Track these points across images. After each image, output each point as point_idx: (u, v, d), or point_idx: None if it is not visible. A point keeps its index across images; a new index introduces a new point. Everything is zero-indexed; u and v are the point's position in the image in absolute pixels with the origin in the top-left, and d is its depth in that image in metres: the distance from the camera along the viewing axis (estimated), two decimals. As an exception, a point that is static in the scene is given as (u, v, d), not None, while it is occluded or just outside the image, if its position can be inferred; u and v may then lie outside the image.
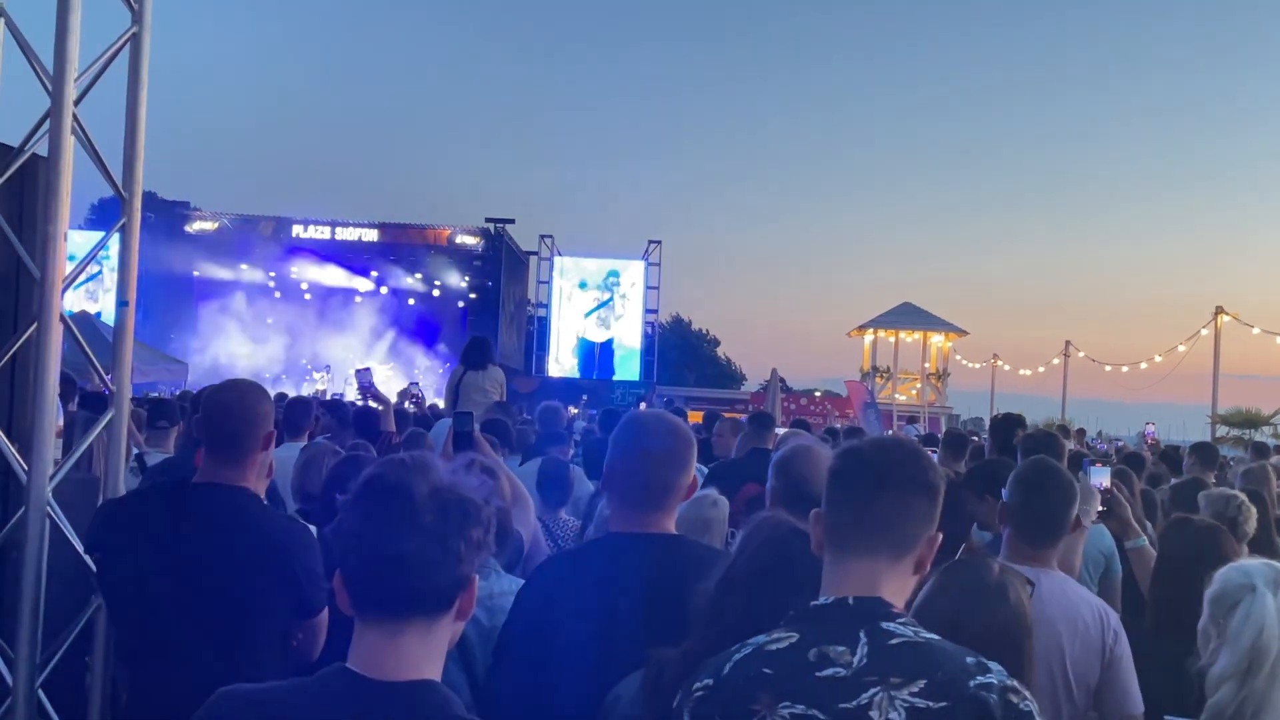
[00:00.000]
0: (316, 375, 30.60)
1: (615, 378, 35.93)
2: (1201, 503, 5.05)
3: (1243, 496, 4.90)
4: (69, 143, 3.52)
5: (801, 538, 2.32)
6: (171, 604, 3.20)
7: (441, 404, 14.00)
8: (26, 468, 3.52)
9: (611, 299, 36.67)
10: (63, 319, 3.54)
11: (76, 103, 3.56)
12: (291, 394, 22.87)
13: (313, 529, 3.84)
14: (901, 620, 1.98)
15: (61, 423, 4.33)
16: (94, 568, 3.51)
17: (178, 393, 17.59)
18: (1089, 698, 3.38)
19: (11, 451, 3.57)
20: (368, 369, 9.46)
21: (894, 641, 1.93)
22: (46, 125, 3.54)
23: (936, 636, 1.97)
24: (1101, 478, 4.05)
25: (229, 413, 3.35)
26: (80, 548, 3.61)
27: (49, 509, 3.53)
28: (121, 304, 3.74)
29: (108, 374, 3.85)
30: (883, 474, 2.09)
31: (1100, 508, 3.97)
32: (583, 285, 36.65)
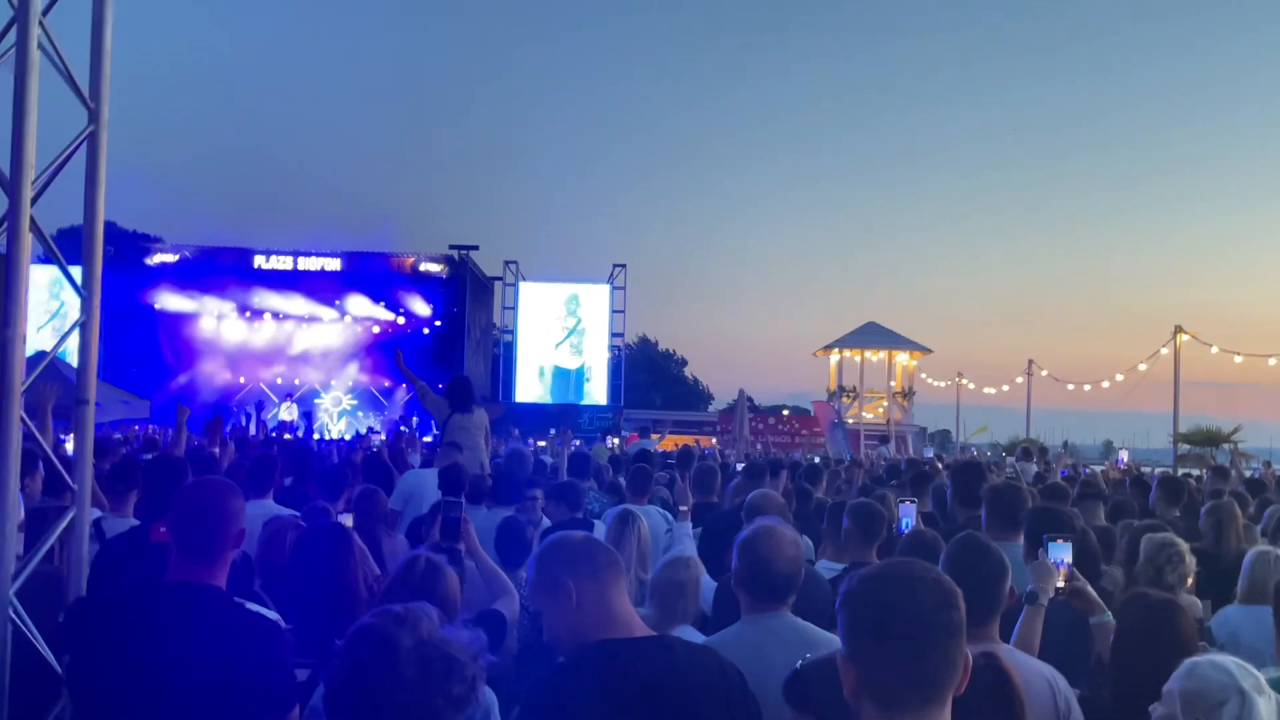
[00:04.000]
0: (282, 405, 30.48)
1: (583, 402, 35.95)
2: (1141, 545, 5.13)
3: (1179, 546, 4.97)
4: (27, 243, 3.51)
5: None
6: (142, 706, 3.17)
7: (411, 434, 13.91)
8: (-12, 569, 3.49)
9: (579, 324, 36.72)
10: (23, 419, 3.52)
11: (34, 202, 3.55)
12: (253, 426, 22.84)
13: (275, 616, 3.85)
14: None
15: (22, 514, 4.30)
16: (60, 670, 3.48)
17: (142, 431, 17.48)
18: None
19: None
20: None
21: None
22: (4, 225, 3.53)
23: None
24: (1062, 554, 4.07)
25: (201, 513, 3.34)
26: (43, 647, 3.59)
27: (12, 609, 3.50)
28: (81, 402, 3.73)
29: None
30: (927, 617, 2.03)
31: (1060, 584, 4.01)
32: (569, 302, 36.65)
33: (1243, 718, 2.71)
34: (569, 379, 36.84)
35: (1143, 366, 31.23)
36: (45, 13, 3.58)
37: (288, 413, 30.70)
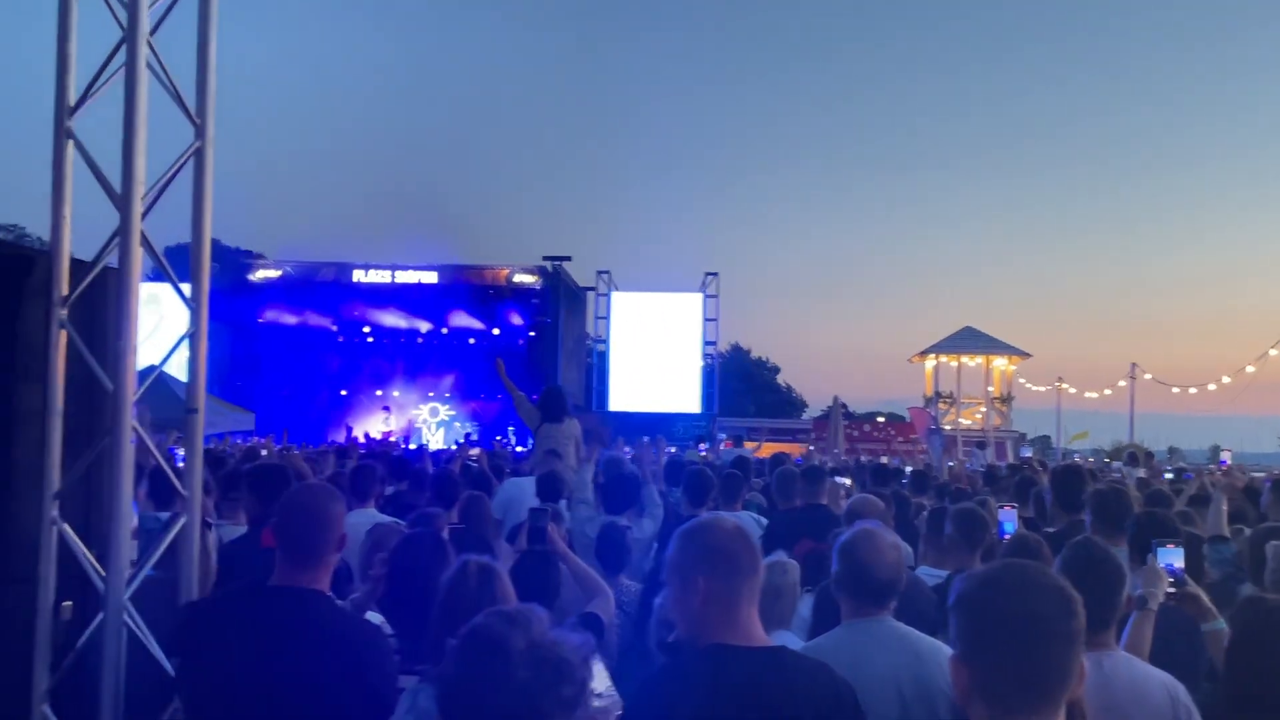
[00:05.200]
0: (381, 416, 30.99)
1: (675, 410, 35.92)
2: (1269, 554, 4.94)
3: None
4: (138, 257, 3.62)
5: None
6: (249, 708, 3.25)
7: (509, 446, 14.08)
8: (104, 574, 3.60)
9: (670, 333, 36.74)
10: (135, 428, 3.62)
11: (143, 217, 3.66)
12: (360, 436, 23.21)
13: (380, 619, 3.90)
14: None
15: (136, 522, 4.42)
16: (173, 672, 3.58)
17: (247, 444, 17.88)
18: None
19: (89, 559, 3.66)
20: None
21: None
22: (116, 240, 3.65)
23: None
24: (1173, 559, 3.96)
25: (305, 519, 3.42)
26: (156, 650, 3.69)
27: (127, 614, 3.60)
28: (191, 411, 3.83)
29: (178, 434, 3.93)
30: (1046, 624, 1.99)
31: (1170, 590, 3.89)
32: (655, 312, 36.72)
33: None
34: (661, 388, 36.84)
35: (1250, 369, 30.35)
36: (153, 32, 3.69)
37: (386, 424, 31.21)
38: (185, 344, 3.96)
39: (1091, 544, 3.68)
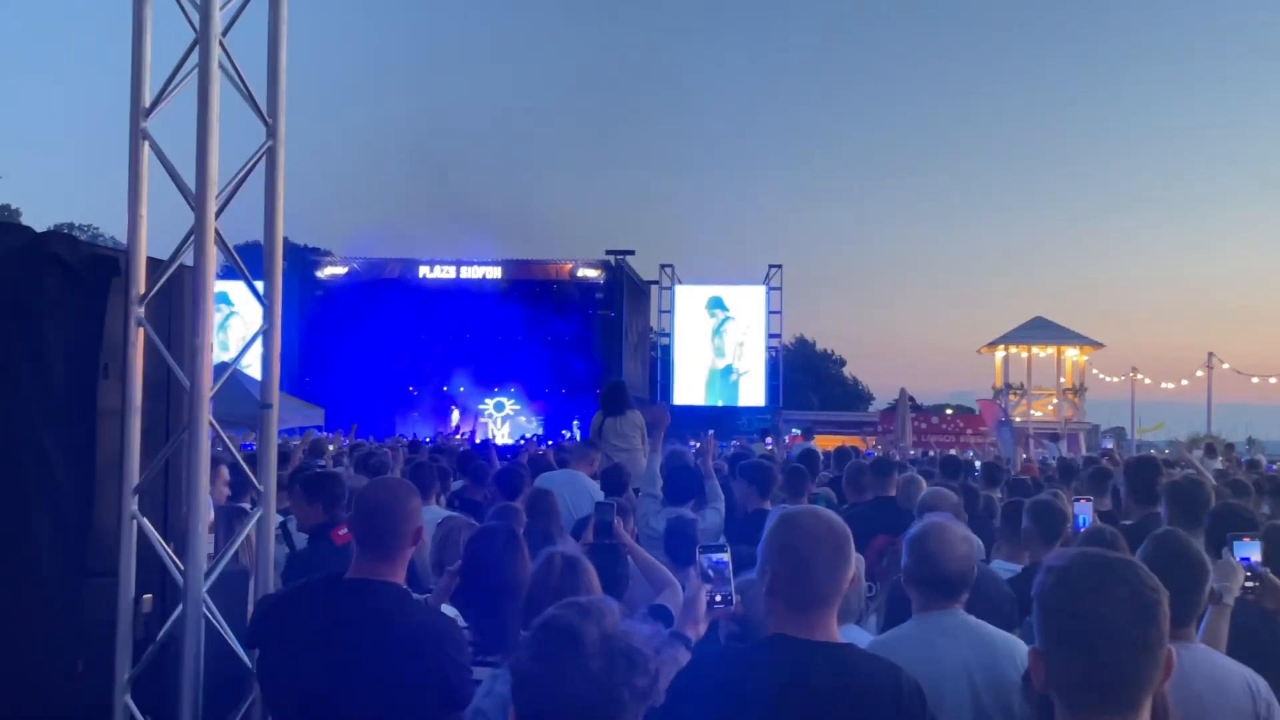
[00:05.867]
0: (455, 413, 31.30)
1: (740, 404, 35.87)
2: None
3: None
4: (212, 255, 3.68)
5: None
6: (326, 698, 3.30)
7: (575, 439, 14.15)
8: (182, 567, 3.67)
9: (734, 326, 36.67)
10: (211, 424, 3.69)
11: (217, 215, 3.72)
12: (424, 435, 23.42)
13: (453, 612, 3.94)
14: None
15: (212, 516, 4.50)
16: (251, 664, 3.64)
17: (314, 438, 18.13)
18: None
19: (168, 552, 3.73)
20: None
21: None
22: (191, 239, 3.71)
23: None
24: (1250, 552, 3.87)
25: (381, 512, 3.45)
26: (234, 643, 3.76)
27: (205, 607, 3.67)
28: (265, 407, 3.88)
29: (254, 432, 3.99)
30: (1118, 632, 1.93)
31: (1247, 584, 3.81)
32: (716, 305, 36.68)
33: None
34: (725, 381, 36.81)
35: (1333, 357, 29.60)
36: (225, 33, 3.75)
37: (454, 419, 31.49)
38: (258, 341, 4.02)
39: (1173, 536, 3.62)
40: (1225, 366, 37.10)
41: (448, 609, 3.97)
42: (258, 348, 4.01)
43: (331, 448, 15.40)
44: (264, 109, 3.95)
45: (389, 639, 3.32)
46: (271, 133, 3.92)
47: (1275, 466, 15.39)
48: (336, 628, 3.33)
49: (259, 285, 3.98)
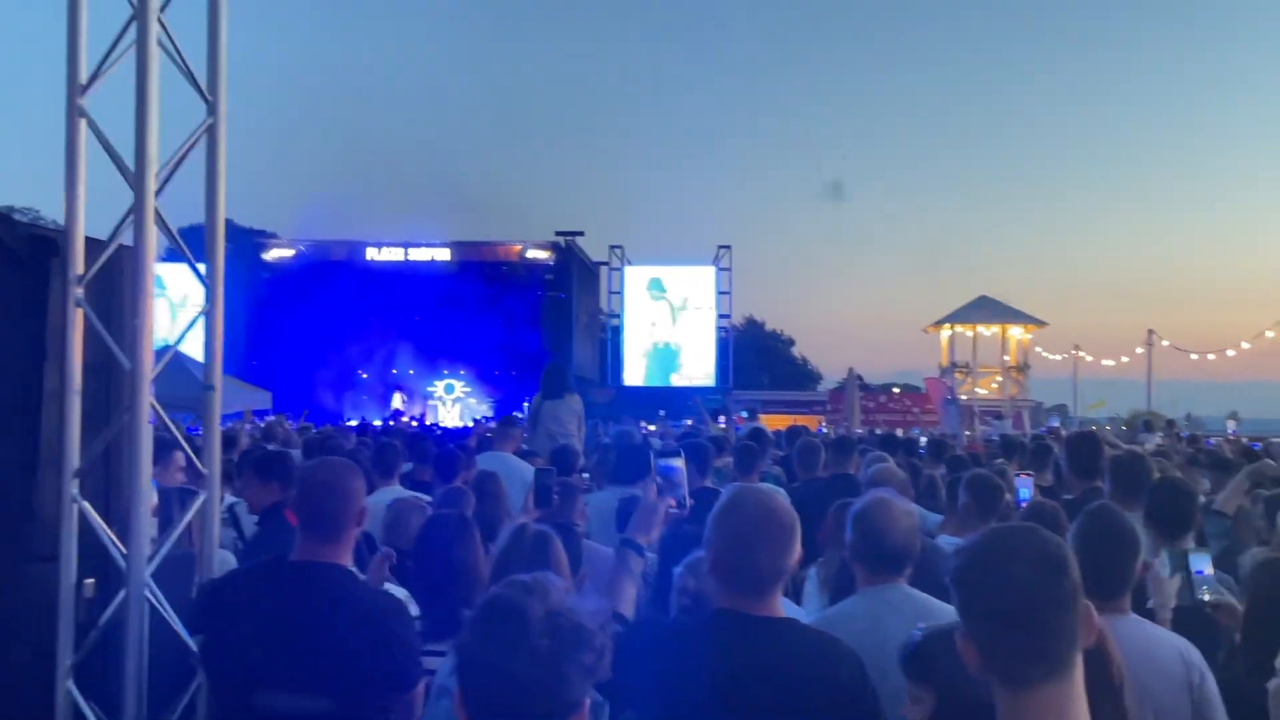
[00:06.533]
0: (398, 397, 31.09)
1: (690, 385, 35.92)
2: None
3: None
4: (152, 235, 3.63)
5: None
6: (273, 682, 3.28)
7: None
8: (125, 551, 3.63)
9: (680, 306, 36.69)
10: (153, 406, 3.64)
11: (157, 194, 3.66)
12: (374, 419, 23.27)
13: (403, 593, 3.92)
14: None
15: (155, 500, 4.45)
16: (196, 648, 3.61)
17: (263, 421, 17.96)
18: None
19: (110, 536, 3.68)
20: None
21: None
22: (130, 218, 3.65)
23: None
24: (1203, 565, 3.90)
25: (324, 493, 3.42)
26: (179, 627, 3.72)
27: (148, 591, 3.63)
28: (208, 389, 3.84)
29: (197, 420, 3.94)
30: (1035, 590, 1.97)
31: (1207, 598, 3.83)
32: (655, 287, 36.69)
33: None
34: (673, 362, 36.82)
35: (1270, 333, 30.18)
36: (163, 9, 3.69)
37: (399, 403, 31.31)
38: (200, 323, 3.97)
39: (1105, 509, 3.69)
40: (1165, 344, 37.69)
41: (398, 590, 3.95)
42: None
43: (281, 430, 15.27)
44: (204, 86, 3.89)
45: (335, 621, 3.29)
46: (212, 110, 3.86)
47: (1213, 442, 15.67)
48: (281, 611, 3.30)
49: (201, 267, 3.93)
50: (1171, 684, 3.30)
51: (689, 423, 20.59)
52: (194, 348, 4.21)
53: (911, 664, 2.60)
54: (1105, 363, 41.56)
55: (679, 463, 3.47)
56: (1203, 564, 3.92)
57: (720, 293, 36.79)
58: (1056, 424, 19.79)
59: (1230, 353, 34.09)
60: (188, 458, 4.05)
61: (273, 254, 33.88)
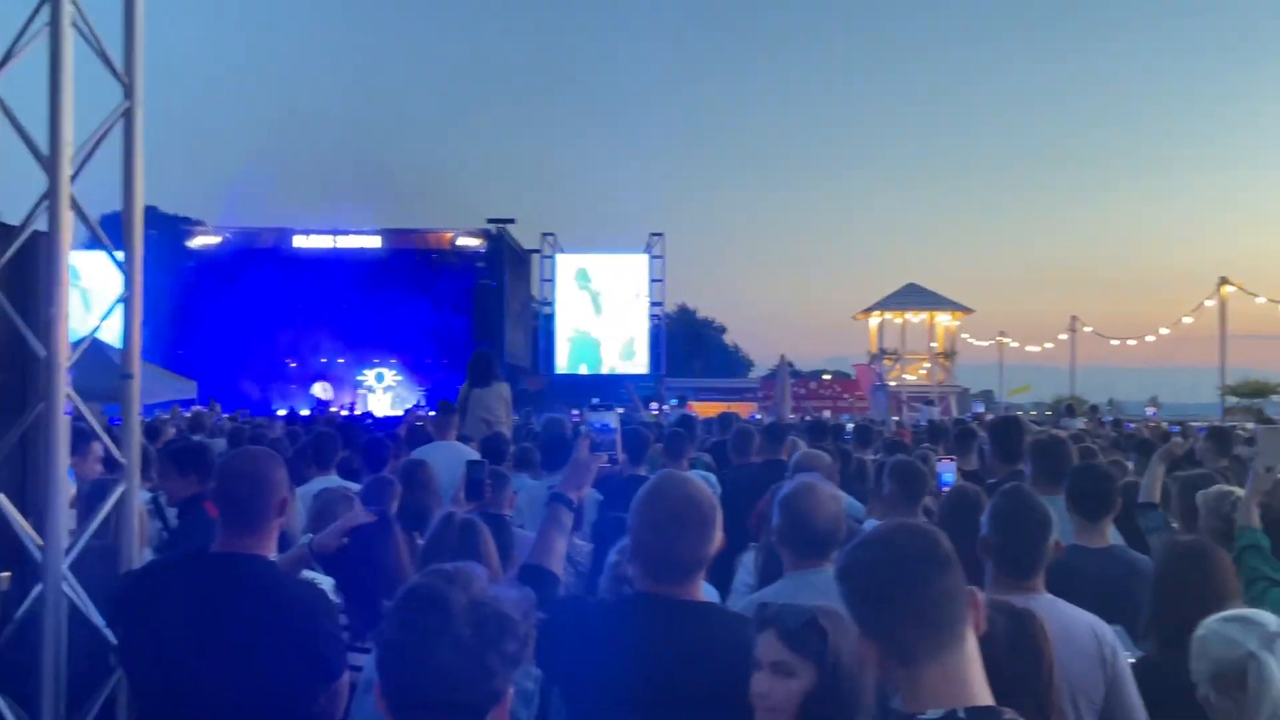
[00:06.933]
0: (318, 387, 30.77)
1: (621, 372, 35.94)
2: (1199, 504, 5.03)
3: (1236, 493, 4.86)
4: (68, 220, 3.56)
5: None
6: (193, 676, 3.23)
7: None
8: (41, 544, 3.55)
9: (609, 293, 36.67)
10: (70, 396, 3.57)
11: (73, 179, 3.59)
12: (302, 410, 22.96)
13: (328, 583, 3.88)
14: None
15: (74, 490, 4.37)
16: (115, 641, 3.55)
17: (189, 412, 17.65)
18: (1096, 716, 3.41)
19: (26, 528, 3.61)
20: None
21: None
22: (45, 203, 3.57)
23: None
24: None
25: (245, 483, 3.38)
26: (99, 620, 3.65)
27: (66, 584, 3.56)
28: (126, 377, 3.77)
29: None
30: (921, 564, 2.07)
31: None
32: (582, 278, 36.66)
33: (1262, 683, 2.66)
34: (606, 349, 36.81)
35: (1188, 319, 30.91)
36: (77, -11, 3.60)
37: (324, 392, 30.96)
38: (119, 311, 3.89)
39: (1018, 490, 3.79)
40: (1088, 330, 38.41)
41: (323, 580, 3.91)
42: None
43: (207, 420, 15.04)
44: (120, 69, 3.81)
45: (257, 613, 3.25)
46: (129, 93, 3.77)
47: (1133, 426, 16.03)
48: (201, 604, 3.26)
49: (120, 255, 3.85)
50: (1086, 661, 3.38)
51: (621, 411, 20.58)
52: (115, 336, 4.12)
53: (798, 636, 2.61)
54: (1030, 349, 42.38)
55: (613, 419, 3.49)
56: None
57: (653, 280, 36.84)
58: (981, 409, 20.10)
59: (1150, 339, 34.87)
60: (106, 448, 3.97)
61: (198, 241, 33.25)
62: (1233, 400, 28.78)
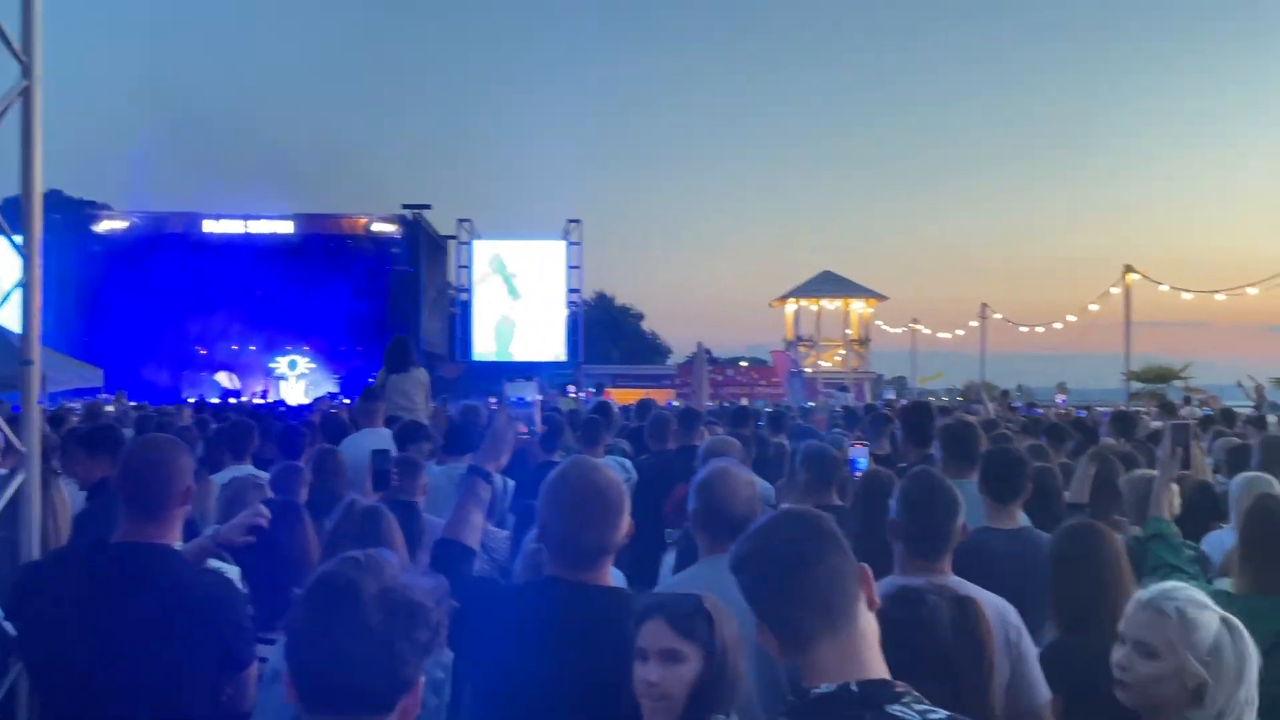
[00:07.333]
0: (221, 376, 30.31)
1: (539, 359, 35.84)
2: (1123, 488, 5.15)
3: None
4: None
5: None
6: (96, 668, 3.16)
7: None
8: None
9: (525, 279, 36.55)
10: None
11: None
12: (211, 398, 22.54)
13: (235, 572, 3.82)
14: (906, 700, 2.01)
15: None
16: (14, 634, 3.46)
17: (93, 400, 17.23)
18: (1002, 693, 3.48)
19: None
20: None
21: None
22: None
23: (945, 713, 2.00)
24: None
25: (148, 471, 3.30)
26: (-2, 614, 3.56)
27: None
28: (26, 363, 3.67)
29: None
30: (805, 547, 2.11)
31: None
32: (497, 265, 36.51)
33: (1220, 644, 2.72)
34: (523, 335, 36.68)
35: (1094, 307, 31.61)
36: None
37: (229, 381, 30.47)
38: (17, 296, 3.79)
39: (926, 473, 3.86)
40: (998, 317, 39.08)
41: (229, 569, 3.84)
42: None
43: (110, 409, 14.70)
44: (18, 47, 3.70)
45: (161, 603, 3.19)
46: (27, 72, 3.68)
47: (1040, 410, 16.46)
48: (103, 594, 3.18)
49: (18, 239, 3.75)
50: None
51: (541, 398, 20.52)
52: (14, 322, 4.01)
53: (687, 620, 2.63)
54: (942, 335, 43.02)
55: (531, 392, 3.50)
56: None
57: (570, 267, 36.77)
58: (892, 395, 20.43)
59: (1058, 325, 35.56)
60: (5, 436, 3.86)
61: (104, 226, 32.45)
62: (1137, 385, 29.55)
